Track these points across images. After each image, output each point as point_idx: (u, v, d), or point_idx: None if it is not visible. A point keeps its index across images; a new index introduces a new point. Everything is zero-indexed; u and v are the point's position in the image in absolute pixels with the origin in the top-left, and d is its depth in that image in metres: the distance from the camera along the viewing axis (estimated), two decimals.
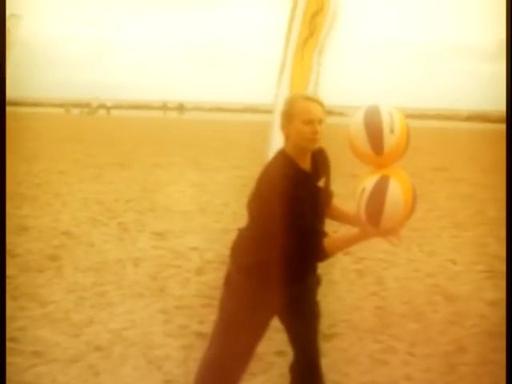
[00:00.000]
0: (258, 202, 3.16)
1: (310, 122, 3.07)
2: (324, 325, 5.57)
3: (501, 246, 8.92)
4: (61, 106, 75.31)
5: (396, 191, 2.88)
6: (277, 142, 4.64)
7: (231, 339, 3.34)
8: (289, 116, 3.13)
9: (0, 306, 4.34)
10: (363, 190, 2.92)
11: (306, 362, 3.52)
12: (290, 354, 3.66)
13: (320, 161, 3.32)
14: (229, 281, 3.38)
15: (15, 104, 53.74)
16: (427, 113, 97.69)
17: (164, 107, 78.43)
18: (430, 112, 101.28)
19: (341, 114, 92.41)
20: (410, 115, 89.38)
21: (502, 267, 7.69)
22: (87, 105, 68.38)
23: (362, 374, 4.70)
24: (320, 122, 3.10)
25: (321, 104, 3.16)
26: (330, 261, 6.53)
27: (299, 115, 3.08)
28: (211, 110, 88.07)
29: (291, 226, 3.06)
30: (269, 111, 5.57)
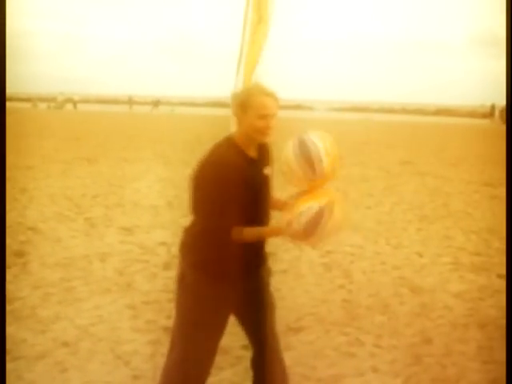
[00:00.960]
0: (202, 188, 3.19)
1: (264, 116, 3.16)
2: (291, 318, 5.64)
3: (466, 239, 9.06)
4: (27, 100, 74.41)
5: (336, 218, 3.10)
6: None
7: (192, 338, 3.33)
8: (244, 107, 3.19)
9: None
10: (309, 208, 3.06)
11: (266, 354, 3.54)
12: None
13: (264, 150, 3.40)
14: (183, 280, 3.36)
15: None
16: (394, 107, 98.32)
17: (130, 101, 77.81)
18: (396, 106, 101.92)
19: (309, 108, 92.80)
20: (378, 109, 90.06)
21: (467, 259, 7.82)
22: (54, 99, 67.63)
23: (328, 367, 4.74)
24: (273, 116, 3.20)
25: (276, 99, 3.23)
26: (297, 255, 6.58)
27: (254, 109, 3.15)
28: (179, 104, 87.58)
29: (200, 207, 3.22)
30: None
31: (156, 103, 76.04)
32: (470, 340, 5.33)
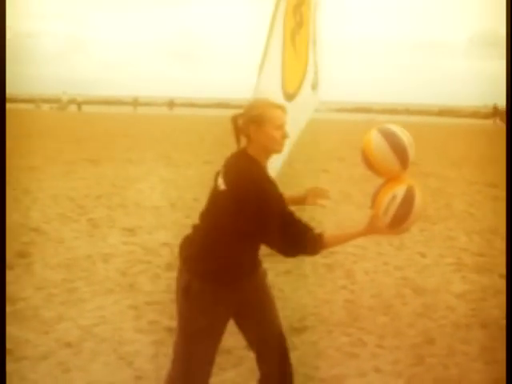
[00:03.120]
0: (240, 207, 3.15)
1: (280, 127, 3.27)
2: (294, 318, 5.65)
3: (468, 239, 9.05)
4: (31, 101, 74.45)
5: (420, 200, 3.25)
6: None
7: (196, 347, 3.33)
8: (259, 122, 3.25)
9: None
10: (394, 196, 3.20)
11: (274, 355, 3.54)
12: None
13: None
14: (188, 290, 3.32)
15: None
16: (397, 108, 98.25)
17: (135, 103, 77.86)
18: (399, 107, 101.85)
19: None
20: (381, 110, 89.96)
21: (470, 260, 7.82)
22: (57, 100, 67.61)
23: (331, 367, 4.75)
24: (284, 126, 3.32)
25: (284, 110, 3.35)
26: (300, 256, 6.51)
27: (271, 121, 3.25)
28: (183, 105, 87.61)
29: (285, 224, 3.15)
30: (242, 106, 5.60)
31: (170, 104, 76.20)
32: (473, 340, 5.33)
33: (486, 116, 67.00)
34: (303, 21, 4.92)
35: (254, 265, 3.48)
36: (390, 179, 3.33)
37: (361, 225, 3.32)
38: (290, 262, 7.32)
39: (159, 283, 6.59)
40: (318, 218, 9.85)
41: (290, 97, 4.79)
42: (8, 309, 5.71)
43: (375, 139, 3.31)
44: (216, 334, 3.38)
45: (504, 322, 5.68)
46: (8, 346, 4.86)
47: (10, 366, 4.54)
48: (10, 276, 6.65)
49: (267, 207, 3.11)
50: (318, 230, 3.23)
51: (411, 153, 3.30)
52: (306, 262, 7.46)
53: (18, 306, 5.82)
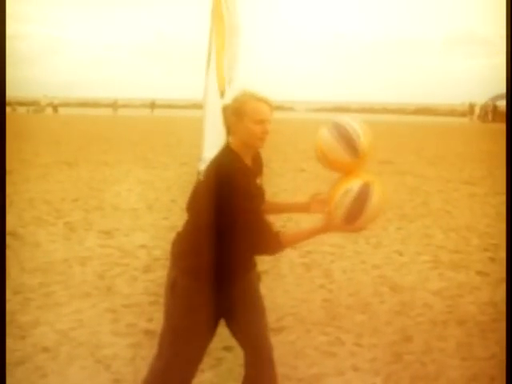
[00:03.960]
0: (212, 199, 3.12)
1: (260, 122, 3.16)
2: (271, 318, 5.61)
3: (445, 237, 9.12)
4: (7, 104, 73.96)
5: (378, 197, 3.13)
6: (211, 136, 4.67)
7: (182, 346, 3.30)
8: (239, 114, 3.18)
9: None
10: (347, 191, 3.09)
11: (260, 359, 3.52)
12: (238, 349, 3.68)
13: (257, 159, 3.42)
14: (174, 287, 3.31)
15: None
16: (374, 107, 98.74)
17: (115, 105, 77.52)
18: (377, 106, 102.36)
19: (290, 108, 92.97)
20: (358, 109, 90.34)
21: (447, 257, 7.88)
22: (34, 103, 67.20)
23: (309, 367, 4.76)
24: (269, 121, 3.21)
25: (269, 104, 3.24)
26: (277, 255, 6.59)
27: (250, 115, 3.16)
28: (162, 107, 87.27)
29: (246, 220, 3.10)
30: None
31: (152, 105, 75.97)
32: (450, 337, 5.37)
33: (462, 114, 67.56)
34: (222, 17, 4.91)
35: (243, 266, 3.40)
36: (346, 174, 3.22)
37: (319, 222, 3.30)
38: (267, 262, 7.33)
39: (136, 286, 6.57)
40: (295, 217, 9.87)
41: (222, 94, 4.80)
42: None
43: (322, 134, 3.21)
44: (201, 334, 3.33)
45: (481, 318, 5.78)
46: None
47: None
48: None
49: (234, 202, 3.06)
50: (276, 229, 3.19)
51: (361, 142, 3.14)
52: (283, 262, 7.47)
53: None
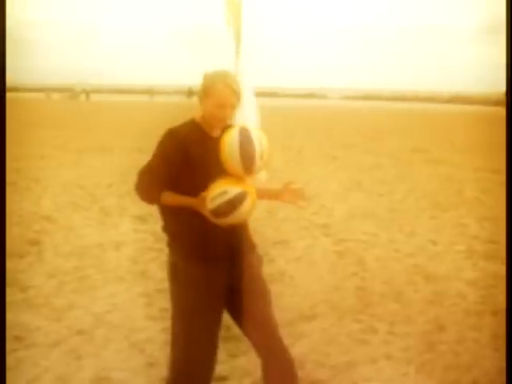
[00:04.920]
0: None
1: (222, 106, 3.26)
2: (305, 306, 5.65)
3: (480, 227, 9.03)
4: (41, 90, 74.63)
5: (246, 207, 3.15)
6: (247, 116, 4.71)
7: (192, 326, 3.35)
8: (205, 93, 3.29)
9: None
10: (225, 192, 3.12)
11: (270, 347, 3.49)
12: None
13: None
14: (171, 269, 3.42)
15: None
16: (406, 95, 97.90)
17: (150, 91, 77.90)
18: (409, 94, 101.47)
19: (323, 96, 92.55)
20: (390, 97, 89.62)
21: (481, 247, 7.80)
22: (68, 89, 67.84)
23: (342, 354, 4.74)
24: (232, 107, 3.30)
25: (237, 89, 3.30)
26: (311, 243, 6.58)
27: (214, 97, 3.25)
28: (188, 93, 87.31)
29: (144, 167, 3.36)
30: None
31: (190, 92, 76.26)
32: (483, 327, 5.32)
33: (496, 103, 66.73)
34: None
35: (240, 248, 3.43)
36: (234, 176, 3.23)
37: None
38: (300, 249, 7.33)
39: None
40: (329, 205, 9.86)
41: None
42: (20, 296, 5.76)
43: (231, 139, 3.17)
44: (208, 314, 3.37)
45: None
46: (20, 333, 4.92)
47: (22, 353, 4.58)
48: (21, 264, 6.69)
49: (153, 153, 3.32)
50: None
51: (258, 162, 3.17)
52: (317, 250, 7.46)
53: (29, 293, 5.85)
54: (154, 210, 9.22)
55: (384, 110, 53.48)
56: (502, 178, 13.86)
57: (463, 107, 65.17)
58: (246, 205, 3.15)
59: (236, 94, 3.29)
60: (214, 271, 3.33)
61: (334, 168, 14.48)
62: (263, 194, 3.65)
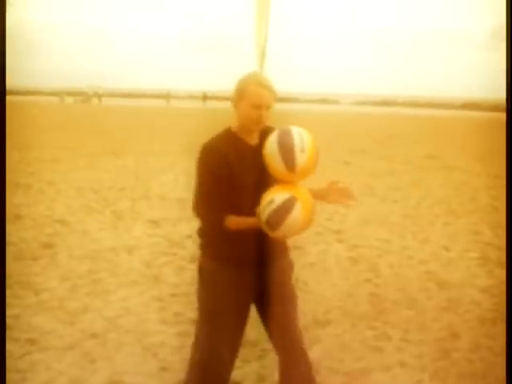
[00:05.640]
0: (196, 178, 3.30)
1: (257, 107, 3.20)
2: (318, 311, 5.64)
3: (493, 234, 8.98)
4: (54, 94, 75.03)
5: (298, 213, 3.05)
6: None
7: (214, 328, 3.36)
8: (239, 96, 3.25)
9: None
10: (272, 201, 3.04)
11: (291, 350, 3.50)
12: None
13: (266, 136, 3.31)
14: (201, 271, 3.43)
15: (8, 93, 53.53)
16: (420, 101, 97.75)
17: (168, 96, 78.20)
18: (422, 100, 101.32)
19: (335, 101, 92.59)
20: (404, 103, 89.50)
21: (495, 254, 7.76)
22: (82, 93, 68.20)
23: (356, 361, 4.73)
24: (267, 107, 3.23)
25: (271, 90, 3.25)
26: (324, 248, 6.58)
27: (248, 98, 3.21)
28: (202, 97, 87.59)
29: (195, 190, 3.31)
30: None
31: (204, 97, 76.55)
32: (498, 335, 5.28)
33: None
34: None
35: (271, 253, 3.41)
36: (282, 182, 3.15)
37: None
38: (314, 255, 7.32)
39: (184, 275, 6.60)
40: (342, 210, 9.85)
41: None
42: (33, 299, 5.78)
43: (271, 138, 3.13)
44: (232, 317, 3.38)
45: None
46: (33, 336, 4.94)
47: (35, 356, 4.60)
48: (35, 267, 6.72)
49: (197, 173, 3.26)
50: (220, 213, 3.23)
51: (300, 158, 3.06)
52: (330, 256, 7.45)
53: (43, 296, 5.87)
54: (167, 215, 9.25)
55: (397, 115, 53.40)
56: None
57: (477, 113, 64.97)
58: (298, 211, 3.04)
59: (270, 94, 3.24)
60: (242, 275, 3.34)
61: (346, 173, 14.46)
62: None
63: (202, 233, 3.45)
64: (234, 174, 3.21)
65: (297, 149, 3.05)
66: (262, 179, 3.22)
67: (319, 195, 3.54)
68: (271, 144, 3.10)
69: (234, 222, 3.22)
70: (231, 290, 3.34)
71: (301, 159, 3.06)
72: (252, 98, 3.19)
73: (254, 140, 3.33)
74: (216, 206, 3.22)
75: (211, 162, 3.19)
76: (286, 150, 3.04)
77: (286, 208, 3.02)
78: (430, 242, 8.39)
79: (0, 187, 5.13)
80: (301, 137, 3.09)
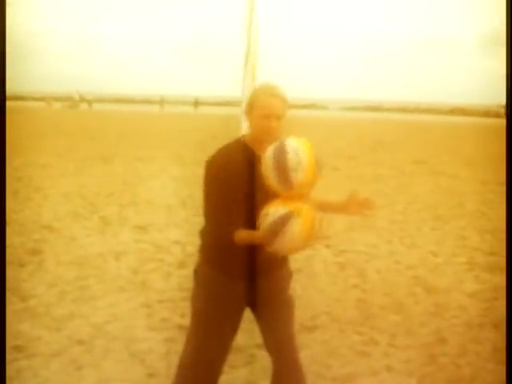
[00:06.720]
0: (204, 189, 3.25)
1: (267, 116, 3.17)
2: (306, 317, 5.64)
3: (481, 239, 9.02)
4: (42, 99, 74.80)
5: (294, 229, 2.97)
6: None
7: (205, 334, 3.36)
8: (250, 107, 3.24)
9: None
10: (267, 214, 3.00)
11: (284, 358, 3.50)
12: None
13: None
14: (197, 274, 3.43)
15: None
16: (408, 106, 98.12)
17: (161, 101, 78.15)
18: (410, 105, 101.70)
19: (323, 107, 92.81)
20: (391, 109, 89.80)
21: (482, 259, 7.79)
22: (69, 98, 68.01)
23: (343, 366, 4.73)
24: (278, 117, 3.19)
25: (283, 100, 3.22)
26: (311, 254, 6.58)
27: (258, 108, 3.19)
28: (194, 103, 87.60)
29: (204, 205, 3.24)
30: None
31: (196, 103, 76.52)
32: (485, 340, 5.31)
33: (497, 115, 66.84)
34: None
35: (270, 262, 3.36)
36: (280, 196, 3.06)
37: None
38: (300, 261, 7.32)
39: (171, 281, 6.60)
40: (328, 217, 9.83)
41: None
42: (20, 306, 5.74)
43: (267, 155, 3.05)
44: (224, 324, 3.38)
45: None
46: (20, 342, 4.91)
47: (22, 363, 4.57)
48: (22, 273, 6.69)
49: (204, 187, 3.22)
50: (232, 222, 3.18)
51: (296, 177, 2.97)
52: (317, 261, 7.46)
53: (30, 302, 5.84)
54: (154, 220, 9.24)
55: (385, 121, 53.55)
56: (504, 189, 13.87)
57: (464, 119, 65.26)
58: (295, 227, 2.96)
59: (281, 104, 3.20)
60: (237, 284, 3.33)
61: (334, 179, 14.47)
62: (327, 208, 3.58)
63: (203, 235, 3.42)
64: (239, 183, 3.18)
65: (291, 168, 2.97)
66: (269, 190, 3.14)
67: (340, 207, 3.56)
68: (267, 161, 3.03)
69: (243, 237, 3.16)
70: (224, 296, 3.33)
71: (296, 178, 2.98)
72: (261, 108, 3.17)
73: (264, 150, 3.20)
74: (224, 221, 3.19)
75: (215, 174, 3.17)
76: (281, 171, 2.98)
77: (281, 223, 2.95)
78: (418, 247, 8.42)
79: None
80: (296, 153, 2.99)
